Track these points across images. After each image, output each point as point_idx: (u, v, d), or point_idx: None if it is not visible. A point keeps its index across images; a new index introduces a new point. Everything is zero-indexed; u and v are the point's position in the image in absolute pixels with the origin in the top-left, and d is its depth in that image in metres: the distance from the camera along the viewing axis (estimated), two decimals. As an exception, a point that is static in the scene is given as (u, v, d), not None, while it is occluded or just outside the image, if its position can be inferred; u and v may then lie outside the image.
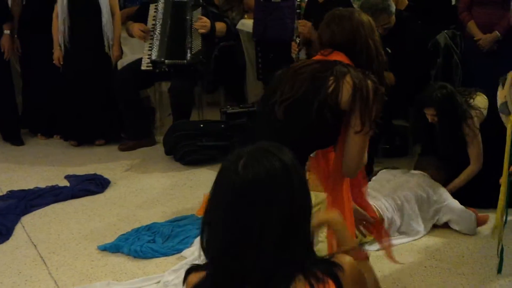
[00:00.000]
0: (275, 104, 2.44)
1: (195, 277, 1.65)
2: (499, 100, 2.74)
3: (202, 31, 5.38)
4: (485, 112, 4.13)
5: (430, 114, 4.11)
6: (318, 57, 2.58)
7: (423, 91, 4.15)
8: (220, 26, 5.54)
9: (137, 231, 3.96)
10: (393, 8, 4.73)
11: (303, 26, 5.14)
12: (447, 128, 4.08)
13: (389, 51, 4.73)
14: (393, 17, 4.73)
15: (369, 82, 2.38)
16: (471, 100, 4.11)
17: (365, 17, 2.65)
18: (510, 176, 3.11)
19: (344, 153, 2.48)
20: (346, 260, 1.62)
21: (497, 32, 4.66)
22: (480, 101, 4.15)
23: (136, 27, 5.49)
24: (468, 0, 4.89)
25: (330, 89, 2.36)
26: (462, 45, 5.02)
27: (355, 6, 5.62)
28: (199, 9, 5.44)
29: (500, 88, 2.77)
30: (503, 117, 2.81)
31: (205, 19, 5.39)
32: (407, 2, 5.16)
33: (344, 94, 2.36)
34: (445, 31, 5.03)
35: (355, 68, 2.43)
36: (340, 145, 2.50)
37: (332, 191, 2.61)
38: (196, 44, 5.40)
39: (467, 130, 4.03)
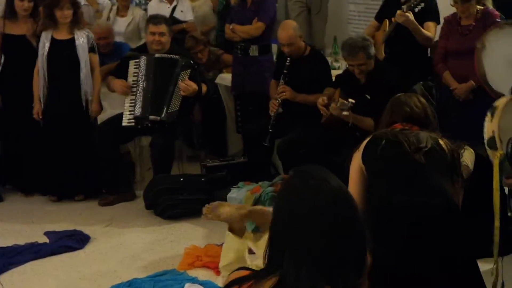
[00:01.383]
0: None
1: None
2: (486, 134, 2.77)
3: (183, 93, 5.41)
4: (472, 166, 4.11)
5: None
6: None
7: None
8: (204, 88, 5.59)
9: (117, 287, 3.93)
10: (372, 51, 4.80)
11: (284, 90, 5.23)
12: None
13: (368, 97, 4.81)
14: (372, 61, 4.81)
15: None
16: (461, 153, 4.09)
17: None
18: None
19: None
20: None
21: (472, 81, 4.74)
22: (468, 155, 4.11)
23: (118, 83, 5.53)
24: (443, 52, 4.98)
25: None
26: (437, 96, 5.10)
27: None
28: (189, 71, 5.47)
29: (488, 119, 2.79)
30: (489, 151, 2.83)
31: (190, 83, 5.40)
32: (383, 54, 5.25)
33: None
34: (421, 82, 5.10)
35: None
36: None
37: None
38: (174, 104, 5.42)
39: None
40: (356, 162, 3.06)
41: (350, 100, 4.74)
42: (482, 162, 4.07)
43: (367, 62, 4.80)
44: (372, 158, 2.94)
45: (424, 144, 2.88)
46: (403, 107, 3.20)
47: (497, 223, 3.03)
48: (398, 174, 2.88)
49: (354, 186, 3.04)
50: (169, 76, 5.45)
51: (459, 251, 2.79)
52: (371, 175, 2.97)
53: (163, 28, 5.53)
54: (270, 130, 5.26)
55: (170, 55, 5.52)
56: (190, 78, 5.45)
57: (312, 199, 1.67)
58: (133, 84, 5.52)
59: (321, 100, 4.94)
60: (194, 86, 5.42)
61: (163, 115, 5.40)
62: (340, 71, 5.86)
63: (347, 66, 5.09)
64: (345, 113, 4.73)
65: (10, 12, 5.55)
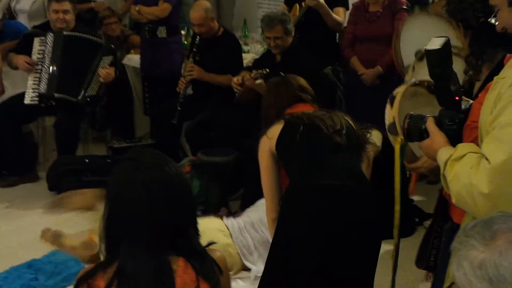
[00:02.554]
0: None
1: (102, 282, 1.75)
2: (387, 120, 2.84)
3: (102, 80, 5.30)
4: (379, 147, 4.23)
5: None
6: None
7: None
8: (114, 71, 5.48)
9: (16, 269, 3.80)
10: (290, 28, 4.83)
11: (192, 69, 5.20)
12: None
13: (282, 74, 4.84)
14: (289, 38, 4.83)
15: None
16: (368, 135, 4.20)
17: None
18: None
19: None
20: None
21: (379, 67, 4.85)
22: (376, 135, 4.23)
23: (21, 59, 5.32)
24: (351, 37, 5.08)
25: None
26: (344, 80, 5.19)
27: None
28: (111, 58, 5.37)
29: (388, 107, 2.86)
30: (390, 137, 2.91)
31: (111, 70, 5.32)
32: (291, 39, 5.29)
33: None
34: (329, 66, 5.18)
35: None
36: None
37: None
38: (92, 88, 5.32)
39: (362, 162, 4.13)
40: (266, 148, 3.07)
41: (265, 70, 4.76)
42: (389, 144, 4.23)
43: (283, 37, 4.81)
44: (290, 143, 2.95)
45: (339, 126, 2.94)
46: (294, 88, 3.29)
47: (397, 207, 3.11)
48: (319, 157, 2.90)
49: (267, 172, 3.08)
50: (88, 58, 5.33)
51: (372, 231, 2.85)
52: (288, 160, 2.98)
53: (66, 5, 5.37)
54: (179, 108, 5.21)
55: (87, 36, 5.40)
56: (111, 65, 5.36)
57: (140, 184, 1.76)
58: (38, 61, 5.33)
59: (236, 79, 4.92)
60: (113, 74, 5.34)
61: (79, 97, 5.27)
62: (249, 55, 5.89)
63: (263, 48, 5.10)
64: (258, 81, 4.73)
65: None
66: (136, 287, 1.71)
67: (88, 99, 5.32)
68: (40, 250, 4.11)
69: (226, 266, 1.86)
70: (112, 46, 5.55)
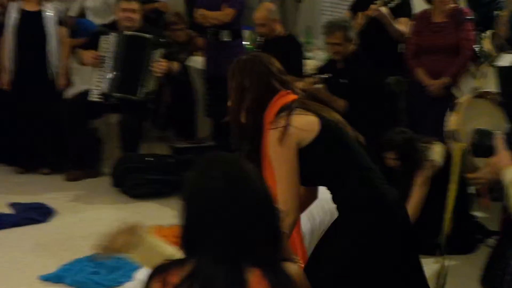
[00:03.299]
0: None
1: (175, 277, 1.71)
2: (448, 126, 2.80)
3: (157, 74, 5.40)
4: (441, 160, 4.16)
5: (390, 158, 4.12)
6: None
7: (382, 137, 4.19)
8: (174, 65, 5.59)
9: (79, 261, 3.94)
10: (352, 35, 4.83)
11: None
12: (408, 173, 4.09)
13: (344, 81, 4.87)
14: (349, 45, 4.84)
15: None
16: (430, 151, 4.14)
17: None
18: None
19: None
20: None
21: (446, 78, 4.78)
22: (438, 150, 4.17)
23: (88, 54, 5.48)
24: (415, 48, 5.02)
25: None
26: (406, 91, 5.17)
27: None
28: (161, 50, 5.44)
29: (451, 114, 2.83)
30: (450, 143, 2.88)
31: (163, 63, 5.38)
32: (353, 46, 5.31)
33: None
34: (391, 76, 5.18)
35: None
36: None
37: None
38: (149, 83, 5.40)
39: (418, 178, 4.02)
40: (294, 140, 2.53)
41: (326, 74, 4.79)
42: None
43: (344, 44, 4.82)
44: (334, 143, 2.58)
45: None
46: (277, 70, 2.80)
47: (448, 215, 3.08)
48: (367, 161, 2.66)
49: (292, 166, 2.55)
50: (141, 55, 5.42)
51: None
52: (328, 161, 2.60)
53: (134, 4, 5.49)
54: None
55: (141, 34, 5.48)
56: (162, 57, 5.44)
57: (220, 183, 1.71)
58: (101, 59, 5.48)
59: (297, 84, 4.95)
60: (165, 65, 5.41)
61: (138, 94, 5.38)
62: (312, 62, 5.94)
63: (325, 55, 5.12)
64: (318, 86, 4.77)
65: None
66: None
67: (147, 95, 5.42)
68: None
69: (302, 281, 1.81)
70: (163, 39, 5.58)
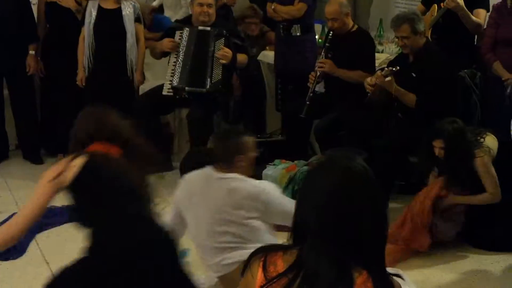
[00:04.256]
0: None
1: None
2: None
3: (223, 61, 5.40)
4: (494, 152, 4.11)
5: (437, 146, 4.10)
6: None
7: (434, 125, 4.16)
8: (241, 57, 5.57)
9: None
10: (420, 27, 4.71)
11: (323, 63, 5.21)
12: (453, 163, 4.08)
13: (414, 75, 4.76)
14: (418, 38, 4.72)
15: None
16: (481, 140, 4.09)
17: None
18: None
19: None
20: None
21: None
22: (491, 141, 4.13)
23: (165, 40, 5.54)
24: (492, 41, 4.88)
25: None
26: (481, 85, 5.02)
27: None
28: (222, 40, 5.46)
29: None
30: None
31: (227, 49, 5.40)
32: (430, 39, 5.18)
33: None
34: (465, 70, 5.04)
35: None
36: None
37: None
38: (216, 73, 5.42)
39: (478, 166, 4.04)
40: None
41: (395, 67, 4.70)
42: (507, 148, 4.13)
43: (411, 36, 4.70)
44: None
45: None
46: (109, 125, 2.85)
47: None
48: None
49: None
50: (206, 47, 5.45)
51: None
52: None
53: None
54: (307, 102, 5.24)
55: (205, 28, 5.50)
56: (227, 46, 5.44)
57: (338, 179, 1.73)
58: (175, 54, 5.54)
59: (369, 79, 4.88)
60: (230, 52, 5.41)
61: (207, 87, 5.41)
62: (383, 55, 5.83)
63: (397, 48, 5.04)
64: (388, 78, 4.68)
65: None
66: (313, 286, 1.69)
67: (215, 85, 5.43)
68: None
69: None
70: (223, 30, 5.54)
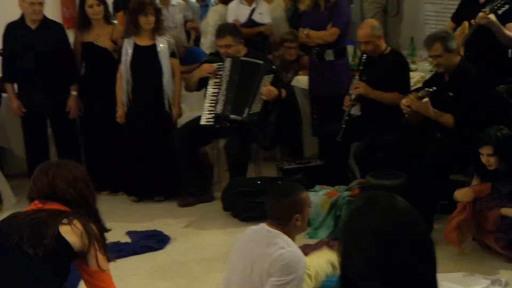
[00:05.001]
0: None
1: None
2: None
3: (265, 98, 5.45)
4: None
5: (486, 153, 4.08)
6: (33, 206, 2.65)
7: (481, 132, 4.17)
8: (283, 93, 5.63)
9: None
10: (453, 45, 4.69)
11: (358, 86, 5.23)
12: (505, 169, 4.06)
13: (451, 94, 4.75)
14: (451, 56, 4.71)
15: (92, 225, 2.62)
16: None
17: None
18: None
19: None
20: None
21: None
22: None
23: (205, 66, 5.62)
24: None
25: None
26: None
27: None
28: (271, 76, 5.50)
29: None
30: None
31: (273, 89, 5.44)
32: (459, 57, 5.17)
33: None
34: (502, 85, 5.01)
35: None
36: None
37: None
38: (256, 106, 5.47)
39: None
40: None
41: (432, 88, 4.70)
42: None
43: (444, 55, 4.69)
44: None
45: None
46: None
47: None
48: None
49: None
50: (252, 79, 5.49)
51: None
52: None
53: (228, 40, 5.58)
54: (343, 126, 5.25)
55: (254, 60, 5.57)
56: (272, 83, 5.49)
57: (382, 221, 1.67)
58: (215, 85, 5.59)
59: (405, 101, 4.87)
60: (275, 92, 5.46)
61: (244, 115, 5.45)
62: (417, 73, 5.83)
63: (430, 66, 5.04)
64: (425, 99, 4.67)
65: (83, 21, 5.74)
66: None
67: (253, 117, 5.47)
68: (215, 268, 4.31)
69: None
70: (273, 66, 5.66)
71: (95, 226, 2.64)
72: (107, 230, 2.80)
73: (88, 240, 2.55)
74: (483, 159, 4.10)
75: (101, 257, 2.61)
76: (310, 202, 3.26)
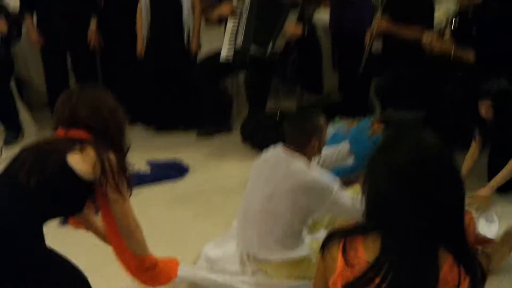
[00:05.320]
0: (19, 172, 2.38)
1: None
2: None
3: (290, 37, 5.42)
4: None
5: (485, 106, 4.00)
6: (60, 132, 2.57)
7: (479, 85, 4.07)
8: (305, 29, 5.56)
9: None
10: None
11: (380, 22, 5.16)
12: (501, 124, 3.98)
13: (474, 32, 4.67)
14: None
15: (110, 155, 2.49)
16: None
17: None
18: None
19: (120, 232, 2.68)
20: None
21: None
22: None
23: (225, 5, 5.57)
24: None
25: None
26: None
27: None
28: (296, 15, 5.45)
29: None
30: None
31: (298, 28, 5.41)
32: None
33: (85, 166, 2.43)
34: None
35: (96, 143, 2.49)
36: (106, 219, 2.68)
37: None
38: (279, 43, 5.43)
39: None
40: None
41: (455, 23, 4.63)
42: None
43: None
44: None
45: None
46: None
47: None
48: None
49: None
50: (277, 14, 5.43)
51: None
52: None
53: None
54: (365, 60, 5.21)
55: None
56: (298, 19, 5.44)
57: (412, 156, 1.68)
58: (233, 19, 5.55)
59: (425, 37, 4.80)
60: (300, 30, 5.42)
61: (268, 53, 5.41)
62: (441, 10, 5.73)
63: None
64: (446, 37, 4.61)
65: None
66: (398, 271, 1.66)
67: (276, 54, 5.44)
68: (234, 198, 4.37)
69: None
70: (299, 4, 5.59)
71: (114, 155, 2.52)
72: (128, 162, 2.69)
73: (101, 169, 2.45)
74: (482, 112, 4.00)
75: (116, 187, 2.52)
76: (326, 127, 3.28)
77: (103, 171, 2.46)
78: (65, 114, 2.57)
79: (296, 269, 3.20)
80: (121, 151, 2.66)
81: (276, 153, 3.23)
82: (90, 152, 2.44)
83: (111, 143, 2.59)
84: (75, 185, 2.43)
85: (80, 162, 2.42)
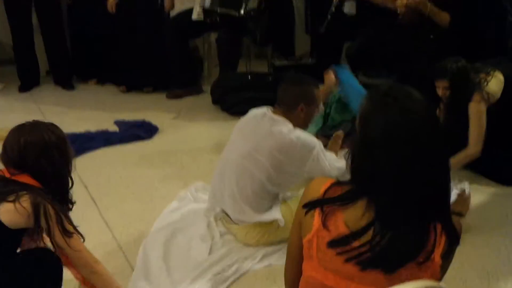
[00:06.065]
0: None
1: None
2: None
3: None
4: (498, 95, 3.88)
5: (441, 86, 3.88)
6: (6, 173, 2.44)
7: (436, 64, 3.95)
8: None
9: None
10: None
11: None
12: (456, 103, 3.89)
13: None
14: None
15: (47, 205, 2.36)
16: (485, 83, 3.92)
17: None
18: None
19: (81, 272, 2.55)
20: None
21: None
22: (495, 83, 3.88)
23: None
24: None
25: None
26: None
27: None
28: None
29: None
30: None
31: None
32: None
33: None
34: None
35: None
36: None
37: None
38: (252, 2, 5.34)
39: (471, 113, 3.82)
40: None
41: None
42: None
43: None
44: None
45: None
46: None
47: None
48: None
49: None
50: None
51: None
52: None
53: None
54: (328, 17, 5.17)
55: None
56: None
57: (405, 119, 1.63)
58: None
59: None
60: None
61: (242, 12, 5.34)
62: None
63: None
64: None
65: None
66: (383, 237, 1.63)
67: (250, 13, 5.37)
68: (203, 159, 4.34)
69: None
70: None
71: (51, 205, 2.38)
72: (71, 205, 2.59)
73: (35, 220, 2.31)
74: (439, 91, 3.89)
75: (60, 232, 2.39)
76: (320, 102, 3.24)
77: (45, 221, 2.35)
78: (15, 157, 2.43)
79: (265, 233, 3.18)
80: (64, 195, 2.56)
81: (262, 112, 3.20)
82: (25, 202, 2.31)
83: (57, 187, 2.50)
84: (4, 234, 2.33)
85: (10, 212, 2.29)
